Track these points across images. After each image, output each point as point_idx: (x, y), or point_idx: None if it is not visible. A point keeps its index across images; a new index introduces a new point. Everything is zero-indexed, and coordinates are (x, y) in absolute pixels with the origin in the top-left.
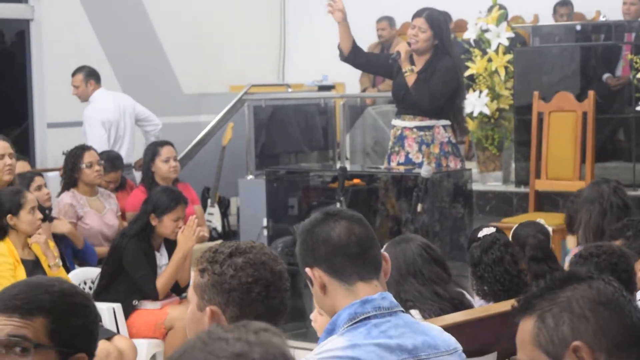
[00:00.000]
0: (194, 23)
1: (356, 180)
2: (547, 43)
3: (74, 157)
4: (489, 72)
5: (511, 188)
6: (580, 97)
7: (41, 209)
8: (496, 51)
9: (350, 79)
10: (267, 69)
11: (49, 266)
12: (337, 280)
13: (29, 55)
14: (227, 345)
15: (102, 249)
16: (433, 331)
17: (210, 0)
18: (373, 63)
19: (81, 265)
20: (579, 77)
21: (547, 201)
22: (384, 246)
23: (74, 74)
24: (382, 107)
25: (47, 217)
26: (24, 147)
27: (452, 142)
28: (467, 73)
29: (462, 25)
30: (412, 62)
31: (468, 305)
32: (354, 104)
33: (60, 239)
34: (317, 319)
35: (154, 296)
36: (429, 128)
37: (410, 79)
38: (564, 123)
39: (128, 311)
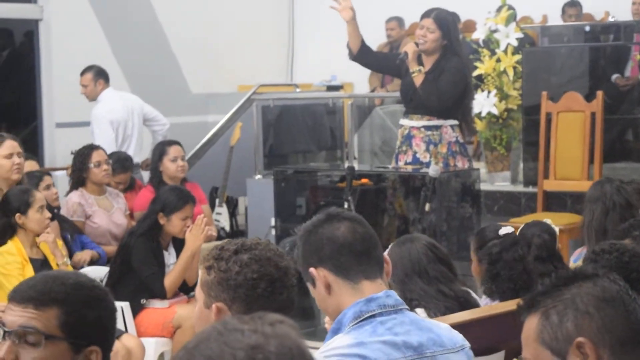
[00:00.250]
0: (202, 23)
1: (364, 180)
2: (555, 43)
3: (82, 156)
4: (497, 73)
5: (519, 188)
6: (589, 97)
7: (49, 208)
8: (505, 51)
9: (359, 79)
10: (276, 68)
11: (57, 265)
12: (343, 279)
13: (37, 55)
14: (242, 337)
15: (111, 248)
16: (439, 329)
17: (218, 0)
18: (382, 62)
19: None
20: (588, 77)
21: (555, 201)
22: (389, 246)
23: (82, 73)
24: (390, 107)
25: (56, 217)
26: (32, 147)
27: (460, 142)
28: (475, 73)
29: (470, 26)
30: (420, 63)
31: (474, 304)
32: (362, 104)
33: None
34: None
35: (162, 295)
36: (437, 128)
37: (418, 79)
38: (572, 123)
39: (136, 310)
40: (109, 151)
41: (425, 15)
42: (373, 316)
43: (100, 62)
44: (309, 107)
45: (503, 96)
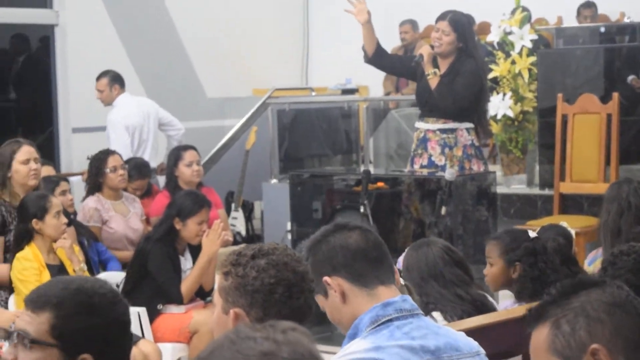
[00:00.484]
0: (218, 27)
1: (380, 184)
2: (571, 45)
3: (98, 161)
4: (512, 75)
5: (535, 191)
6: (605, 99)
7: (66, 213)
8: (520, 53)
9: (374, 82)
10: (291, 72)
11: (74, 271)
12: (358, 286)
13: (53, 61)
14: (255, 344)
15: (127, 253)
16: (455, 334)
17: (233, 4)
18: (397, 65)
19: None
20: (603, 79)
21: (571, 204)
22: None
23: (98, 79)
24: (405, 110)
25: (72, 222)
26: (49, 152)
27: (475, 145)
28: (490, 76)
29: (485, 28)
30: (435, 65)
31: (490, 308)
32: (377, 107)
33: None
34: None
35: (178, 300)
36: (452, 131)
37: (433, 82)
38: (588, 125)
39: (153, 315)
40: (125, 156)
41: (441, 17)
42: (390, 320)
43: (115, 67)
44: (324, 111)
45: (518, 98)
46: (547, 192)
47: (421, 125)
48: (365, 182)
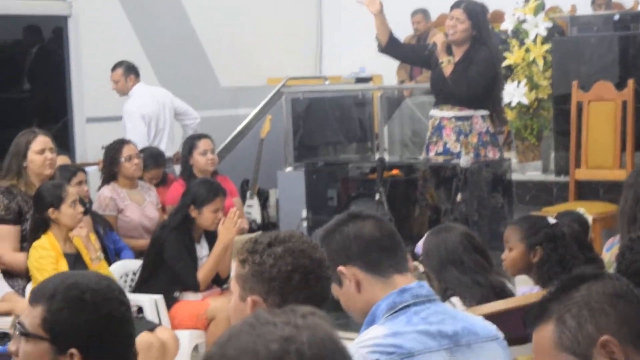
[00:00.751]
0: (231, 16)
1: (395, 171)
2: (585, 33)
3: (113, 151)
4: (527, 62)
5: (551, 177)
6: (620, 86)
7: (82, 202)
8: (534, 41)
9: (388, 71)
10: (304, 61)
11: (91, 259)
12: (373, 275)
13: (67, 51)
14: (275, 329)
15: (143, 242)
16: (472, 318)
17: None
18: (410, 54)
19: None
20: (618, 66)
21: (587, 190)
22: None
23: (113, 69)
24: (419, 98)
25: (88, 211)
26: (63, 143)
27: (490, 132)
28: (505, 64)
29: (499, 16)
30: (449, 53)
31: (509, 294)
32: (392, 96)
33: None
34: None
35: (195, 288)
36: (467, 118)
37: (448, 70)
38: (603, 112)
39: (170, 303)
40: (141, 145)
41: (455, 5)
42: (407, 306)
43: (129, 57)
44: (338, 100)
45: (533, 86)
46: (562, 178)
47: (436, 112)
48: (380, 170)
